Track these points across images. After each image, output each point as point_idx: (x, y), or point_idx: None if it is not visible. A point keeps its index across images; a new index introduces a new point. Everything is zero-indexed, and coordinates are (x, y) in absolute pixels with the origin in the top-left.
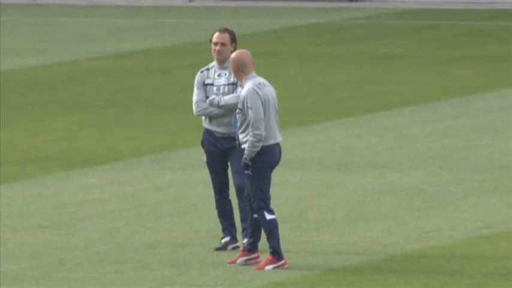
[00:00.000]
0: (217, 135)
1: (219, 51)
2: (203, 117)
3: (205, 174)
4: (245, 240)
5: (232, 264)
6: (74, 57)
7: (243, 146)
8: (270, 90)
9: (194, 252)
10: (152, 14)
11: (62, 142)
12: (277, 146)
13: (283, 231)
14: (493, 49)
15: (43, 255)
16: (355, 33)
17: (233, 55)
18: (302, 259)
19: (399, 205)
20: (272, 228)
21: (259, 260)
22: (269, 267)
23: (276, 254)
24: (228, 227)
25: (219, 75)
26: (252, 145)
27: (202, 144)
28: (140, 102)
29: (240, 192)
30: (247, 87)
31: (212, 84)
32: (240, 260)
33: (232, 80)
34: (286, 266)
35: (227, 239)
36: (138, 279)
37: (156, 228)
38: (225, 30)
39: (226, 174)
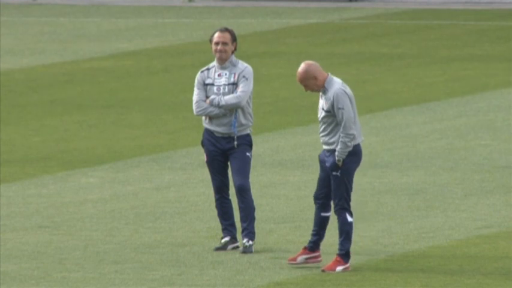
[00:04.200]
0: (218, 135)
1: (220, 51)
2: (203, 117)
3: (205, 174)
4: (245, 240)
5: (293, 262)
6: (74, 57)
7: (325, 148)
8: (350, 90)
9: (194, 252)
10: (152, 14)
11: (62, 142)
12: (360, 145)
13: (283, 231)
14: (493, 49)
15: (43, 255)
16: (355, 33)
17: (302, 69)
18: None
19: (399, 205)
20: (350, 231)
21: (320, 259)
22: (340, 268)
23: (347, 256)
24: (228, 226)
25: (219, 75)
26: (345, 146)
27: (202, 144)
28: (140, 102)
29: (240, 192)
30: (334, 88)
31: (212, 84)
32: (301, 258)
33: (232, 80)
34: (350, 269)
35: (227, 238)
36: (138, 279)
37: (156, 228)
38: (226, 29)
39: (226, 174)
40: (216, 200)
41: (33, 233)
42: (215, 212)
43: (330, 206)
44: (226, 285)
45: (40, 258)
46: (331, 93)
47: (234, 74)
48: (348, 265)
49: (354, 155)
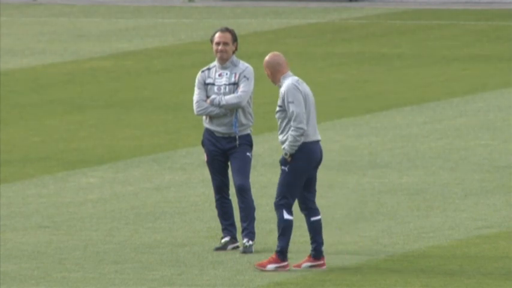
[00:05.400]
0: (218, 135)
1: (221, 51)
2: (204, 117)
3: (205, 174)
4: (245, 240)
5: (297, 268)
6: (74, 57)
7: (283, 147)
8: (307, 88)
9: (194, 252)
10: (152, 14)
11: (62, 142)
12: (318, 144)
13: None
14: (493, 49)
15: (43, 255)
16: (355, 33)
17: (267, 58)
18: (302, 259)
19: (399, 205)
20: (286, 228)
21: (324, 267)
22: (271, 266)
23: (282, 254)
24: (228, 226)
25: (220, 75)
26: (294, 139)
27: (203, 143)
28: (140, 102)
29: (240, 192)
30: (286, 83)
31: (213, 84)
32: (305, 265)
33: (233, 79)
34: (288, 268)
35: (227, 238)
36: (138, 279)
37: (156, 228)
38: (227, 29)
39: (227, 174)
40: (216, 200)
41: (33, 233)
42: (215, 212)
43: (316, 210)
44: (226, 285)
45: (40, 258)
46: (283, 88)
47: (235, 74)
48: (284, 263)
49: (306, 152)
